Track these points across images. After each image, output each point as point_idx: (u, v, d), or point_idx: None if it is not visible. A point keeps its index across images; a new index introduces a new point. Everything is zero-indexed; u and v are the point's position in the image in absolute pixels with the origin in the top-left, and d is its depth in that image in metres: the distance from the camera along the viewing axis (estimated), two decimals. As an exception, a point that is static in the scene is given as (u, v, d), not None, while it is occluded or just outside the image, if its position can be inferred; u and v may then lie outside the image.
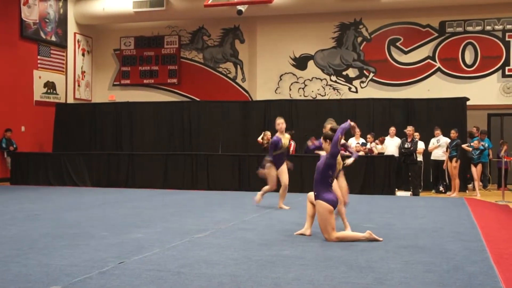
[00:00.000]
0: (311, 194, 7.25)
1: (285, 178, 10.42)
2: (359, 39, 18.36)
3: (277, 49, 18.90)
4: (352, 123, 7.10)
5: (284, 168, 10.46)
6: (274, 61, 18.92)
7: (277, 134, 10.39)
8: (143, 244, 6.57)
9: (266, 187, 10.60)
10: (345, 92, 18.32)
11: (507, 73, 17.20)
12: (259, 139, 15.05)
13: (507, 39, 17.24)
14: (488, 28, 17.35)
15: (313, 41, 18.64)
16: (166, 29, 20.06)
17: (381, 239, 6.85)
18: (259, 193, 10.64)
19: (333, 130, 7.17)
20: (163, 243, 6.59)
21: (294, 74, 18.82)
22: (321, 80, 18.45)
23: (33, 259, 5.72)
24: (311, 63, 18.73)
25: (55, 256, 5.85)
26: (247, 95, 19.32)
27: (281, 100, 17.45)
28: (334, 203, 6.91)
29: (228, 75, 19.62)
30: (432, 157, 14.47)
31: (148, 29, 20.15)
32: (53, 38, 18.34)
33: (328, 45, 18.60)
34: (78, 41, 19.62)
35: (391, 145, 14.56)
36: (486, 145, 15.01)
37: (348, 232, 6.98)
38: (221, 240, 6.93)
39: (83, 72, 19.88)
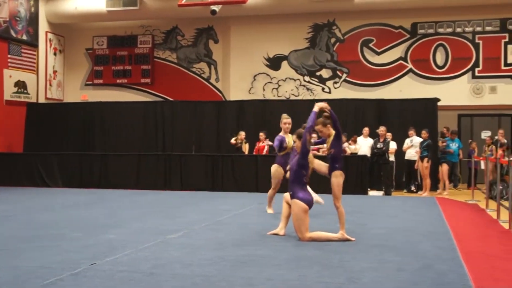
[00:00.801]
0: (287, 195, 7.26)
1: None
2: (333, 40, 18.46)
3: (251, 49, 18.90)
4: (317, 108, 6.98)
5: None
6: (248, 61, 18.92)
7: (281, 133, 9.50)
8: (116, 245, 6.52)
9: (270, 193, 9.77)
10: (318, 93, 18.40)
11: (477, 74, 17.47)
12: (232, 140, 15.03)
13: (477, 41, 17.50)
14: (459, 30, 17.60)
15: (286, 42, 18.69)
16: (139, 29, 19.92)
17: (353, 239, 6.89)
18: (268, 203, 9.80)
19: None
20: (136, 244, 6.55)
21: (267, 75, 18.85)
22: (295, 80, 18.51)
23: (2, 261, 5.63)
24: (284, 64, 18.78)
25: (25, 258, 5.77)
26: (220, 95, 19.29)
27: (255, 100, 17.47)
28: (309, 203, 6.94)
29: (202, 75, 19.57)
30: (406, 157, 14.62)
31: (121, 28, 19.98)
32: (24, 37, 18.07)
33: (301, 45, 18.66)
34: (50, 40, 19.37)
35: (364, 145, 14.68)
36: (456, 144, 15.23)
37: (321, 232, 7.00)
38: (194, 240, 6.91)
39: (54, 72, 19.63)
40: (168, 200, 12.14)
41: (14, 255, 5.91)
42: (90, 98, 19.78)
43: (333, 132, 7.17)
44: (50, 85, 19.42)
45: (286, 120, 9.52)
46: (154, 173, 14.96)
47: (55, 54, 19.67)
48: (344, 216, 7.12)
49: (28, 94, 18.28)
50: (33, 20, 18.50)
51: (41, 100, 18.86)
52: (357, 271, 5.26)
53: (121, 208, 10.64)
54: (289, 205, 7.24)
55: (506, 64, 17.30)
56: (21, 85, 17.97)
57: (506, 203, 9.39)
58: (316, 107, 6.99)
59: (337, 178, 7.25)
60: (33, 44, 18.52)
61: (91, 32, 20.24)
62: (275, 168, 9.69)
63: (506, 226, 8.39)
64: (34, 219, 8.84)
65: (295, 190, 6.99)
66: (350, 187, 13.55)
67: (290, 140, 9.23)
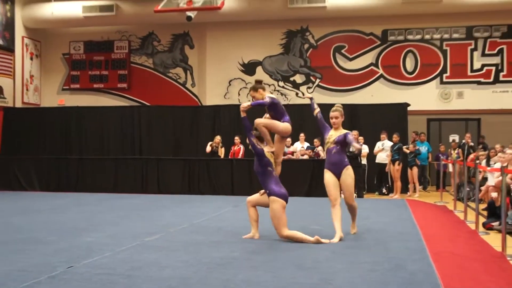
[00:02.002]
0: (251, 199, 7.31)
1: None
2: (306, 46, 18.56)
3: (226, 55, 18.91)
4: (243, 114, 6.94)
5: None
6: (223, 66, 18.92)
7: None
8: (93, 248, 6.46)
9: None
10: (292, 97, 18.47)
11: (444, 80, 17.72)
12: (208, 148, 14.99)
13: (444, 47, 17.76)
14: (427, 37, 17.83)
15: (261, 48, 18.74)
16: (116, 34, 19.78)
17: (327, 241, 6.93)
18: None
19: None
20: (113, 247, 6.50)
21: (243, 80, 18.87)
22: (269, 85, 18.55)
23: (-21, 265, 5.54)
24: (259, 69, 18.81)
25: (1, 261, 5.68)
26: (196, 100, 19.24)
27: (230, 105, 17.44)
28: (286, 197, 6.95)
29: (178, 80, 19.50)
30: (377, 160, 14.73)
31: (98, 33, 19.81)
32: (0, 42, 17.81)
33: (276, 51, 18.73)
34: (26, 45, 19.13)
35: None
36: (425, 148, 15.42)
37: (298, 233, 7.00)
38: (170, 243, 6.89)
39: (31, 76, 19.38)
40: (145, 203, 12.07)
41: (-9, 259, 5.82)
42: (67, 102, 19.57)
43: (264, 94, 7.21)
44: (27, 89, 19.17)
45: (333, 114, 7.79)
46: (131, 177, 14.87)
47: (31, 58, 19.42)
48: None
49: (5, 98, 18.01)
50: (9, 24, 18.25)
51: (18, 104, 18.60)
52: (331, 272, 5.30)
53: (99, 211, 10.54)
54: (254, 208, 7.29)
55: (472, 70, 17.58)
56: (-3, 90, 17.71)
57: (473, 205, 9.54)
58: (242, 113, 6.96)
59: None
60: (10, 48, 18.26)
61: (67, 37, 20.03)
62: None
63: (472, 226, 8.51)
64: (10, 223, 8.72)
65: (269, 187, 6.94)
66: (324, 190, 13.61)
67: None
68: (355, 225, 7.83)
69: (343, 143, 7.42)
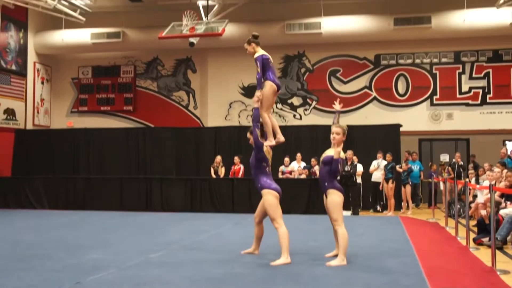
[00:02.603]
0: (257, 213, 7.17)
1: None
2: (303, 70, 18.63)
3: (227, 79, 18.97)
4: (256, 104, 6.81)
5: None
6: (224, 89, 18.97)
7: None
8: (99, 264, 6.41)
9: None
10: (290, 119, 18.49)
11: (435, 102, 17.75)
12: (212, 173, 15.04)
13: (434, 71, 17.83)
14: (418, 61, 17.91)
15: (260, 72, 18.74)
16: (122, 59, 19.87)
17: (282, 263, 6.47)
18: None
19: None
20: (119, 263, 6.44)
21: (243, 102, 18.89)
22: (268, 107, 18.53)
23: (-10, 281, 5.49)
24: (258, 92, 18.80)
25: (11, 277, 5.63)
26: (199, 121, 19.26)
27: (231, 127, 17.48)
28: (278, 190, 6.77)
29: (181, 102, 19.54)
30: (372, 179, 14.69)
31: (105, 59, 19.91)
32: (14, 67, 17.88)
33: (274, 75, 18.73)
34: (38, 70, 19.20)
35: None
36: (417, 167, 15.39)
37: (286, 239, 6.55)
38: (174, 259, 6.83)
39: (42, 100, 19.42)
40: (149, 221, 12.00)
41: (1, 275, 5.76)
42: (75, 124, 19.59)
43: (257, 49, 7.25)
44: (38, 112, 19.19)
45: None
46: (136, 195, 14.81)
47: (42, 83, 19.48)
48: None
49: (17, 120, 18.04)
50: (22, 51, 18.34)
51: (29, 126, 18.61)
52: (328, 287, 5.24)
53: (105, 229, 10.48)
54: (261, 226, 7.16)
55: (460, 93, 17.62)
56: (10, 113, 17.72)
57: (464, 221, 9.49)
58: (255, 103, 6.81)
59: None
60: (22, 73, 18.32)
61: (76, 62, 20.12)
62: None
63: (463, 242, 8.46)
64: (20, 240, 8.66)
65: (261, 182, 6.77)
66: (321, 208, 13.51)
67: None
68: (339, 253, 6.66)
69: (327, 163, 6.68)
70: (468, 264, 6.77)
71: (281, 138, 6.99)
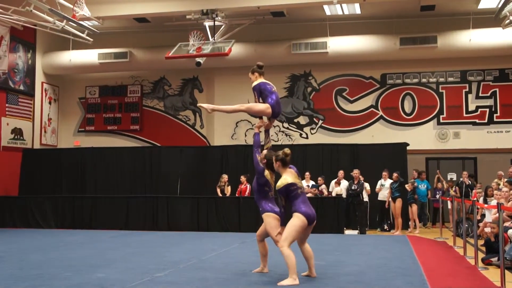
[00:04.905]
0: (259, 232, 7.20)
1: None
2: (309, 89, 18.68)
3: (233, 98, 18.91)
4: (257, 129, 7.21)
5: None
6: (230, 109, 18.99)
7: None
8: (105, 283, 6.39)
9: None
10: (296, 138, 18.50)
11: (441, 121, 17.73)
12: (218, 192, 15.07)
13: (440, 90, 17.83)
14: (424, 80, 17.93)
15: (266, 91, 18.81)
16: (129, 79, 19.99)
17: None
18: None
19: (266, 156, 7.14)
20: (124, 283, 6.43)
21: (249, 121, 18.92)
22: (274, 126, 18.58)
23: (-4, 300, 5.49)
24: (265, 111, 18.84)
25: (18, 297, 5.63)
26: (205, 140, 19.30)
27: (237, 146, 17.50)
28: (278, 213, 6.85)
29: (188, 122, 19.61)
30: (379, 198, 14.63)
31: (112, 78, 20.04)
32: (22, 87, 18.03)
33: (280, 94, 18.58)
34: (45, 90, 19.35)
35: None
36: (425, 185, 15.34)
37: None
38: (180, 278, 6.81)
39: (49, 119, 19.53)
40: (156, 240, 11.98)
41: (7, 295, 5.77)
42: (82, 144, 19.67)
43: (259, 79, 7.69)
44: (45, 131, 19.30)
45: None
46: (142, 214, 14.80)
47: (50, 103, 19.62)
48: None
49: (24, 140, 18.14)
50: (30, 71, 18.51)
51: (36, 146, 18.69)
52: (335, 306, 5.21)
53: (111, 248, 10.47)
54: (264, 242, 7.20)
55: (467, 112, 17.59)
56: (17, 132, 17.83)
57: (472, 240, 9.42)
58: (256, 128, 7.21)
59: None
60: (30, 93, 18.47)
61: (84, 82, 20.26)
62: None
63: (472, 262, 8.39)
64: (26, 259, 8.66)
65: (263, 206, 6.92)
66: (327, 227, 13.52)
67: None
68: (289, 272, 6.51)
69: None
70: (477, 284, 6.71)
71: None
